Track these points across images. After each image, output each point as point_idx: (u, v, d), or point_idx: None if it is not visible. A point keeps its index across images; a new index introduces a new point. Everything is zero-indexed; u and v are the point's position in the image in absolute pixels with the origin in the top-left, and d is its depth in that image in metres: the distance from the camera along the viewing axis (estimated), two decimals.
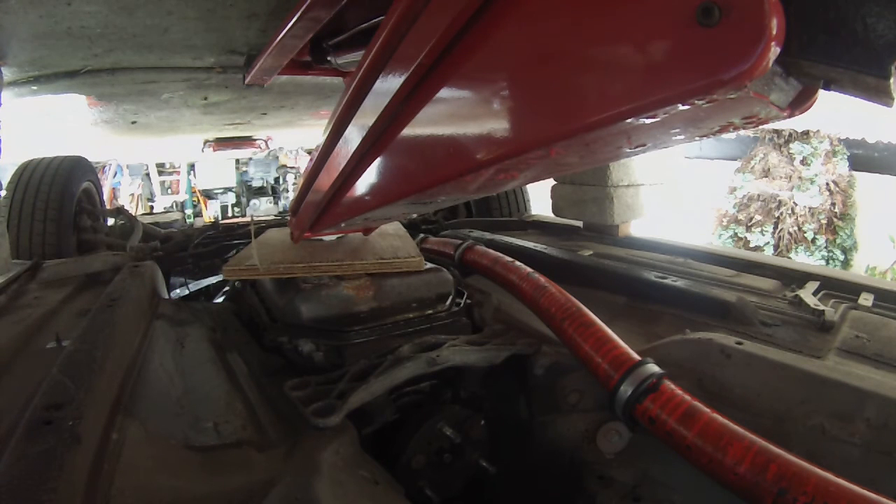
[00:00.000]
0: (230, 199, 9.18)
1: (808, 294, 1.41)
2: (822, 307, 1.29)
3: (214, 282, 2.34)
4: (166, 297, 1.62)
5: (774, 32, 0.39)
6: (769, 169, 6.37)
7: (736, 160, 6.74)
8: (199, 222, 6.00)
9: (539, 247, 1.89)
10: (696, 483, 0.86)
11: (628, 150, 0.63)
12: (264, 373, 1.17)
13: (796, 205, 6.22)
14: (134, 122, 3.43)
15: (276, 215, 5.97)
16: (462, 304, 1.45)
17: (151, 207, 8.62)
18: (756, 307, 1.34)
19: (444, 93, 0.70)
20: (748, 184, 6.51)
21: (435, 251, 1.82)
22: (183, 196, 9.01)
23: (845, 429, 0.85)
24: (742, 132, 5.63)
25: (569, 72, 0.55)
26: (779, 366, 0.98)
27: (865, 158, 5.97)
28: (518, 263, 1.43)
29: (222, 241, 2.37)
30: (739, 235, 6.56)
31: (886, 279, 5.31)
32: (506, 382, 1.29)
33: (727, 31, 0.41)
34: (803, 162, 6.17)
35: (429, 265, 1.44)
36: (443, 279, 1.42)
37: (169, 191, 9.07)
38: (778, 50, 0.40)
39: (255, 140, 5.42)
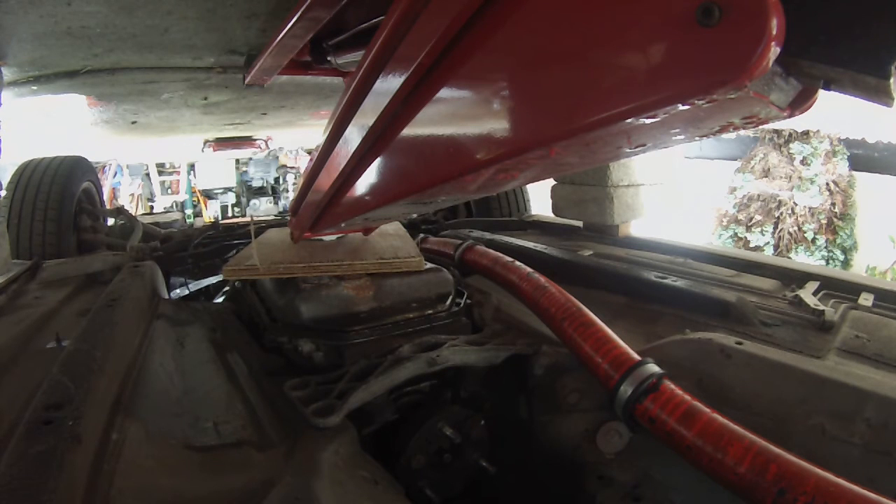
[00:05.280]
0: (230, 199, 9.20)
1: (808, 294, 1.41)
2: (822, 307, 1.29)
3: (214, 282, 2.33)
4: (166, 297, 1.62)
5: (774, 32, 0.39)
6: (769, 169, 6.37)
7: (736, 160, 6.74)
8: (199, 222, 6.01)
9: (539, 247, 1.89)
10: (696, 483, 0.86)
11: (628, 150, 0.63)
12: (264, 373, 1.17)
13: (796, 205, 6.22)
14: (134, 122, 3.43)
15: (276, 215, 5.97)
16: (462, 304, 1.45)
17: (151, 207, 8.63)
18: (756, 307, 1.34)
19: (444, 93, 0.70)
20: (748, 184, 6.51)
21: (435, 251, 1.82)
22: (183, 196, 9.01)
23: (845, 429, 0.85)
24: (742, 132, 5.63)
25: (569, 72, 0.54)
26: (779, 366, 0.98)
27: (865, 158, 5.96)
28: (518, 263, 1.43)
29: (222, 241, 2.37)
30: (739, 235, 6.56)
31: (886, 279, 5.30)
32: (506, 382, 1.29)
33: (727, 31, 0.41)
34: (803, 162, 6.16)
35: (429, 265, 1.44)
36: (443, 279, 1.42)
37: (169, 191, 9.07)
38: (778, 50, 0.40)
39: (255, 140, 5.43)
